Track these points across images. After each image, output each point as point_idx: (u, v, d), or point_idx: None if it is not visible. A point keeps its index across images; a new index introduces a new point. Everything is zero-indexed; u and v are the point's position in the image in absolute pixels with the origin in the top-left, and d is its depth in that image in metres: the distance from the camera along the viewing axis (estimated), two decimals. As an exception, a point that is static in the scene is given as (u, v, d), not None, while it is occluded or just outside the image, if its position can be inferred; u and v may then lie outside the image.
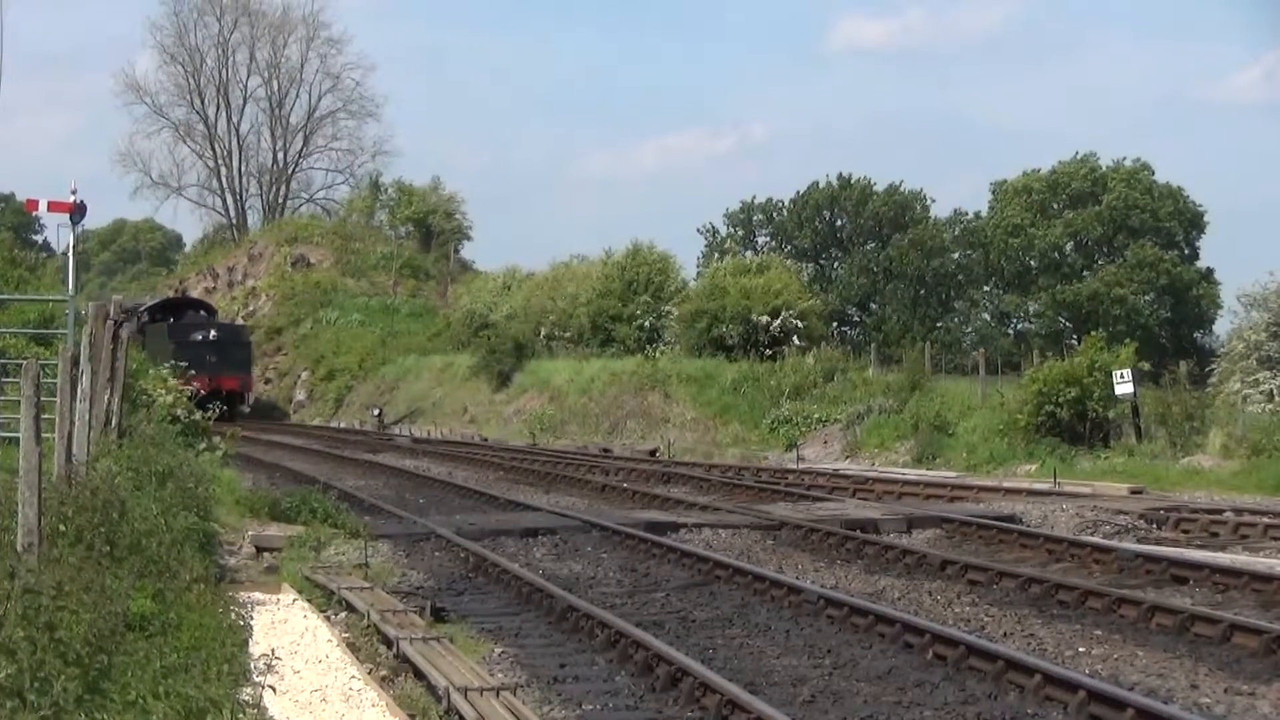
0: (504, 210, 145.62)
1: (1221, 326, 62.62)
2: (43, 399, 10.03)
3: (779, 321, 45.17)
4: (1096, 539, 19.24)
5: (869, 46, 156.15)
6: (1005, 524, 20.26)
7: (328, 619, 13.49)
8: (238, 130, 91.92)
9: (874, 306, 78.62)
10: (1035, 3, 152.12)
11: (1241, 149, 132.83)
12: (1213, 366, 40.13)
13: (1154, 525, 21.00)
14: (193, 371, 54.64)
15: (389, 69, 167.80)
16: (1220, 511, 21.69)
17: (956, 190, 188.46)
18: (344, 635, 12.71)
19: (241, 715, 7.63)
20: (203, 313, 65.04)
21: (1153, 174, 76.23)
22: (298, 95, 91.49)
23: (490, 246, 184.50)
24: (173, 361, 53.90)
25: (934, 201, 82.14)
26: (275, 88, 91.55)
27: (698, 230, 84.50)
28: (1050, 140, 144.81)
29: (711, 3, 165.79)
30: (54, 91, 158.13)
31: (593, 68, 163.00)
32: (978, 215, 79.64)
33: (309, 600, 14.44)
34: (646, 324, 50.18)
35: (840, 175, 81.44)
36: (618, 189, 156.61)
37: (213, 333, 60.14)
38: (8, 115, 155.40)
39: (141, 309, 63.64)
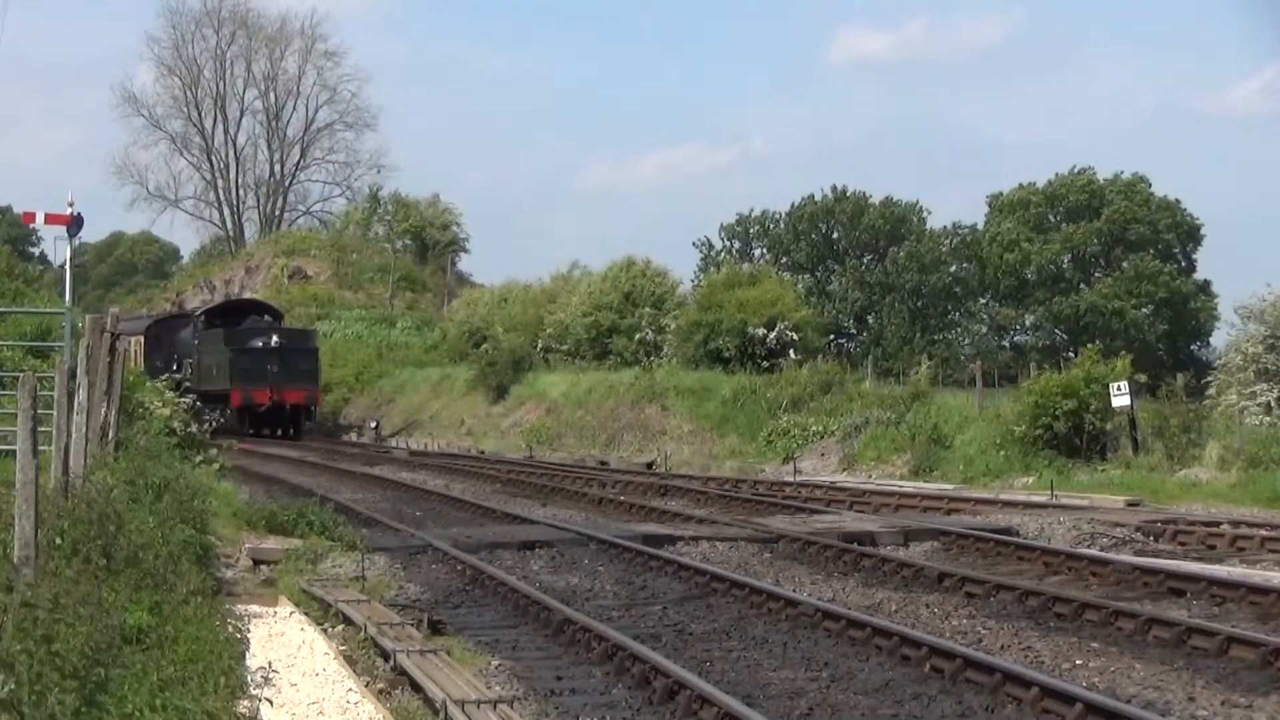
0: (504, 223, 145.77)
1: (1219, 339, 62.64)
2: (39, 411, 10.03)
3: (775, 333, 45.16)
4: (1094, 551, 19.25)
5: (869, 59, 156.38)
6: (1002, 536, 20.26)
7: (325, 631, 13.48)
8: (235, 142, 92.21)
9: (871, 320, 78.69)
10: (1035, 15, 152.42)
11: (1239, 161, 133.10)
12: (1210, 379, 40.09)
13: (1151, 538, 21.01)
14: (252, 383, 52.66)
15: (389, 82, 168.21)
16: (1217, 524, 21.69)
17: (954, 203, 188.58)
18: (341, 648, 12.71)
19: (238, 728, 7.63)
20: (266, 317, 59.21)
21: (1150, 187, 76.41)
22: (295, 107, 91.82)
23: (490, 259, 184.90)
24: (230, 371, 52.58)
25: (930, 214, 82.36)
26: (272, 100, 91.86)
27: (693, 244, 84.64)
28: (1048, 152, 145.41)
29: (711, 16, 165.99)
30: (54, 104, 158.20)
31: (593, 81, 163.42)
32: (973, 228, 79.77)
33: (306, 613, 14.43)
34: (648, 336, 50.17)
35: (835, 188, 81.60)
36: (618, 202, 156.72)
37: (275, 339, 54.63)
38: (8, 127, 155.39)
39: (198, 313, 59.99)
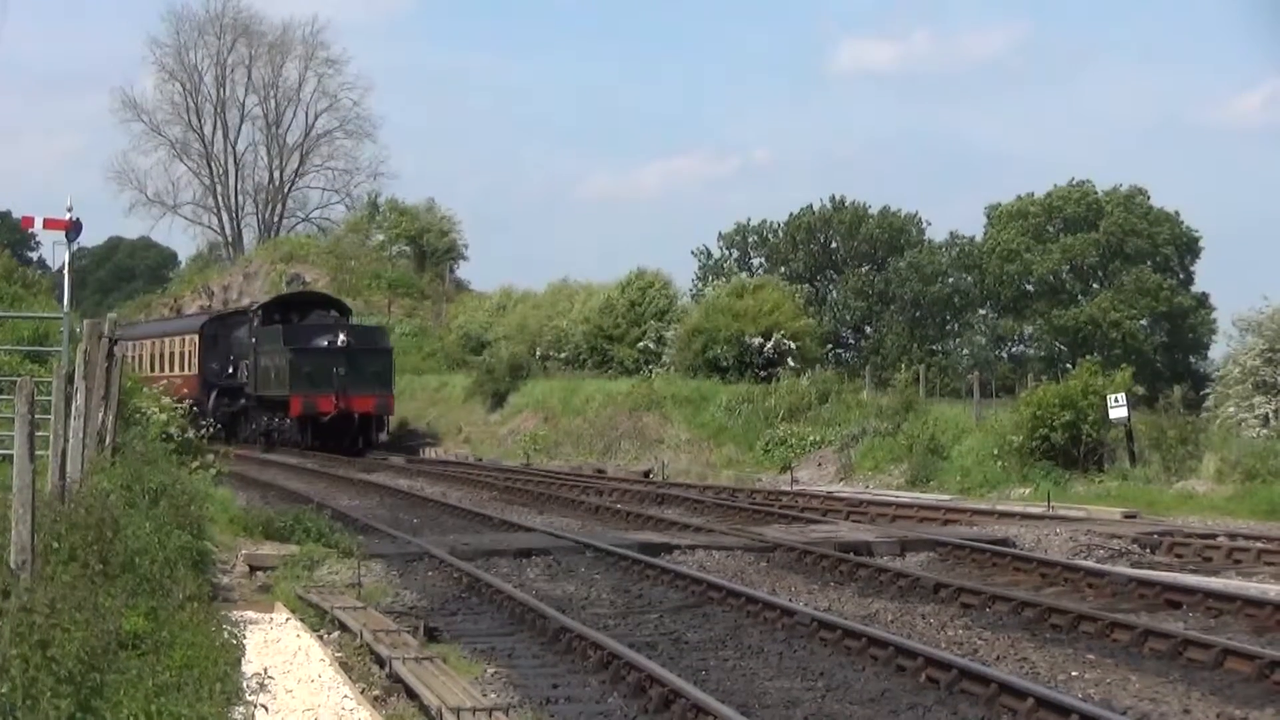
0: (505, 232, 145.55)
1: (1217, 351, 62.72)
2: (37, 416, 10.04)
3: (772, 343, 45.18)
4: (1090, 563, 19.25)
5: (874, 70, 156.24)
6: (999, 547, 20.26)
7: (320, 638, 13.49)
8: (234, 149, 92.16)
9: (869, 329, 78.74)
10: (1040, 27, 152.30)
11: (1240, 173, 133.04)
12: (1208, 391, 40.14)
13: (1147, 549, 21.00)
14: (315, 389, 46.29)
15: (390, 91, 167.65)
16: (1214, 536, 21.69)
17: (955, 214, 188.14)
18: (337, 655, 12.71)
19: (233, 734, 7.64)
20: (332, 312, 52.05)
21: (1149, 198, 76.56)
22: (295, 114, 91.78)
23: (491, 268, 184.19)
24: (290, 374, 46.91)
25: (929, 225, 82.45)
26: (272, 107, 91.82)
27: (692, 253, 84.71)
28: (1049, 164, 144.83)
29: (715, 26, 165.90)
30: (56, 110, 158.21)
31: (595, 90, 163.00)
32: (973, 239, 79.90)
33: (302, 619, 14.44)
34: (650, 344, 50.18)
35: (834, 198, 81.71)
36: (620, 211, 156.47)
37: (342, 337, 47.57)
38: (11, 134, 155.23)
39: (255, 307, 53.48)
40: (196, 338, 54.18)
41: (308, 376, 46.53)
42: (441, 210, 79.85)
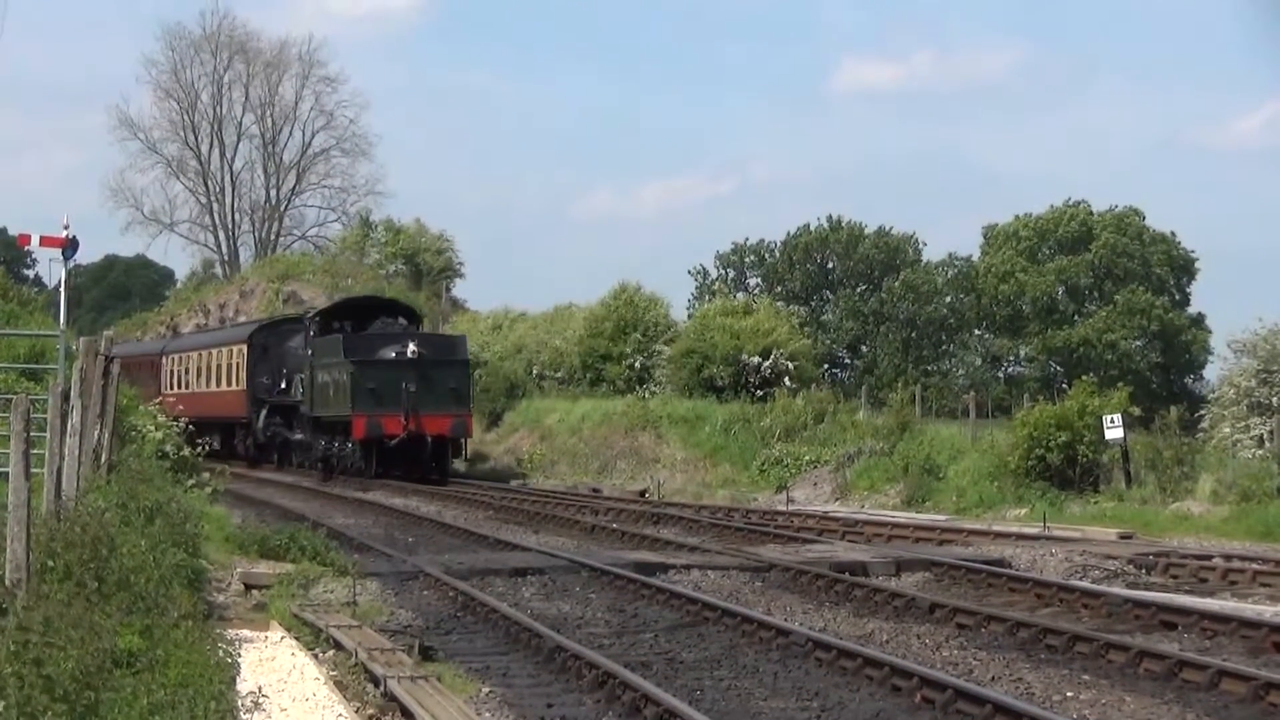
0: (504, 250, 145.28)
1: (1212, 372, 62.81)
2: (33, 434, 10.05)
3: (769, 362, 45.20)
4: (1085, 584, 19.25)
5: (874, 90, 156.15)
6: (994, 568, 20.26)
7: (315, 657, 13.48)
8: (231, 167, 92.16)
9: (864, 349, 78.81)
10: (1040, 48, 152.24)
11: (1239, 195, 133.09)
12: (1203, 412, 40.21)
13: (1143, 570, 21.01)
14: (381, 408, 40.29)
15: (390, 108, 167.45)
16: (1209, 557, 21.70)
17: (954, 233, 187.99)
18: (331, 673, 12.70)
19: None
20: (399, 319, 45.64)
21: (1143, 219, 76.71)
22: (291, 132, 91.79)
23: (490, 287, 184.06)
24: (352, 391, 40.68)
25: (925, 245, 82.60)
26: (269, 125, 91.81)
27: (688, 272, 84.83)
28: (1049, 184, 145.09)
29: (714, 45, 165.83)
30: (56, 127, 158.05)
31: (595, 109, 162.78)
32: (969, 259, 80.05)
33: (297, 638, 14.43)
34: (637, 363, 50.14)
35: (830, 218, 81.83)
36: (619, 230, 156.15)
37: (411, 348, 41.30)
38: (12, 151, 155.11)
39: (311, 314, 47.84)
40: (244, 348, 49.05)
41: (372, 394, 40.70)
42: (430, 229, 79.84)
